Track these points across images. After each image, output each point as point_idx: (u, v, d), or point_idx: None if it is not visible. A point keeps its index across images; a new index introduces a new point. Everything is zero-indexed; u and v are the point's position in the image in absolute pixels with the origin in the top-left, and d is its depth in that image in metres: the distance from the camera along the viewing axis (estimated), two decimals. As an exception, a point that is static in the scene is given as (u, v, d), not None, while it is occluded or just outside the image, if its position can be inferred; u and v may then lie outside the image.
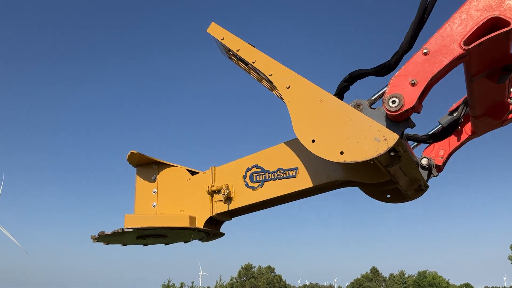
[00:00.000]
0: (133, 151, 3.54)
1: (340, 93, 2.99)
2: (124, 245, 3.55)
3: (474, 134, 3.70)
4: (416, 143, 3.68)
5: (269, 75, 2.98)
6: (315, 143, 2.68)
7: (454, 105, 3.59)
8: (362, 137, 2.55)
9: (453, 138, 3.75)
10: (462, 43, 2.39)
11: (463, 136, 3.74)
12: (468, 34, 2.40)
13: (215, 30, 3.31)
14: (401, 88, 2.47)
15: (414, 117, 2.58)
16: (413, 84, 2.46)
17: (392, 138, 2.49)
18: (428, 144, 3.81)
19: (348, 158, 2.56)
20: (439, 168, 3.74)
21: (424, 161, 3.56)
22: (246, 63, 3.30)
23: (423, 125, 3.63)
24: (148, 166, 3.73)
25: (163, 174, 3.68)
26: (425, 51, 2.48)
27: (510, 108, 3.38)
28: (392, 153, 2.80)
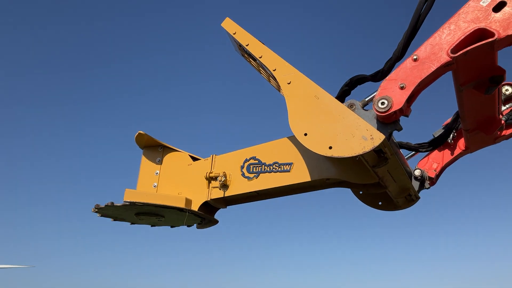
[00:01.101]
0: (141, 132, 3.75)
1: (341, 96, 3.16)
2: (115, 220, 3.67)
3: (468, 149, 3.80)
4: (411, 154, 3.81)
5: (273, 70, 3.16)
6: (307, 136, 2.83)
7: (448, 120, 3.72)
8: (351, 134, 2.70)
9: (446, 152, 3.86)
10: (449, 51, 2.54)
11: (457, 151, 3.84)
12: (456, 43, 2.55)
13: (229, 25, 3.51)
14: (391, 91, 2.62)
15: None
16: (402, 88, 2.60)
17: (378, 138, 2.63)
18: (423, 156, 3.92)
19: (336, 153, 2.69)
20: (432, 181, 3.83)
21: (417, 172, 3.67)
22: (254, 59, 3.48)
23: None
24: (154, 149, 3.95)
25: (167, 157, 3.90)
26: (415, 57, 2.63)
27: (501, 125, 3.49)
28: (381, 154, 2.93)
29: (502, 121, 3.47)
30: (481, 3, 2.57)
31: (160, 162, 3.89)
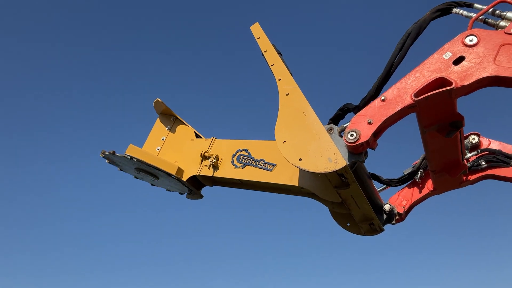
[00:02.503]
0: (159, 100, 4.29)
1: (335, 119, 3.51)
2: (121, 170, 4.16)
3: (435, 190, 4.08)
4: (383, 187, 4.11)
5: (278, 80, 3.53)
6: (285, 144, 3.20)
7: (418, 160, 4.04)
8: (320, 153, 3.05)
9: (415, 190, 4.15)
10: (412, 95, 2.89)
11: (425, 191, 4.13)
12: (419, 89, 2.90)
13: (256, 30, 3.89)
14: (359, 125, 2.96)
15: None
16: (369, 123, 2.94)
17: (341, 163, 2.99)
18: (394, 192, 4.21)
19: (303, 165, 3.07)
20: (401, 217, 4.10)
21: (387, 207, 3.95)
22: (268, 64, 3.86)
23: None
24: (167, 117, 4.49)
25: (176, 128, 4.43)
26: (383, 98, 2.98)
27: (465, 169, 3.80)
28: (342, 179, 3.24)
29: (466, 166, 3.78)
30: (443, 56, 2.94)
31: (169, 130, 4.41)
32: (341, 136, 3.13)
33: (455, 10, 3.16)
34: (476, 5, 3.11)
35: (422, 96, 2.85)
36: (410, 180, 4.00)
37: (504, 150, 4.01)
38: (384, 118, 2.92)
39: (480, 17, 3.05)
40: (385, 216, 3.94)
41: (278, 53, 3.75)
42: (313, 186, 3.58)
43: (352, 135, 2.93)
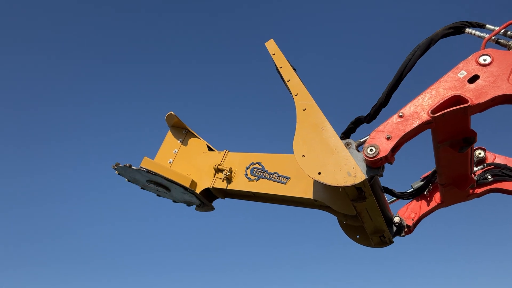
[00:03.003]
0: (172, 113, 4.34)
1: (347, 133, 3.63)
2: (129, 181, 4.16)
3: (443, 203, 4.19)
4: (393, 199, 4.20)
5: (295, 95, 3.60)
6: (304, 158, 3.26)
7: (426, 173, 4.15)
8: (339, 167, 3.12)
9: (423, 203, 4.25)
10: (429, 112, 2.99)
11: (432, 203, 4.23)
12: (435, 106, 3.01)
13: (271, 46, 3.99)
14: (378, 140, 3.04)
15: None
16: (388, 138, 3.03)
17: (360, 177, 3.05)
18: (403, 205, 4.31)
19: (322, 179, 3.13)
20: (409, 229, 4.20)
21: (397, 219, 4.04)
22: (283, 80, 3.91)
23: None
24: (179, 130, 4.55)
25: (188, 141, 4.48)
26: (400, 114, 3.08)
27: (473, 183, 3.91)
28: (360, 192, 3.32)
29: (474, 179, 3.89)
30: (458, 74, 3.06)
31: (181, 143, 4.46)
32: (358, 151, 3.22)
33: (467, 30, 3.28)
34: (488, 25, 3.24)
35: (439, 113, 2.96)
36: (419, 194, 4.10)
37: (509, 165, 4.14)
38: (402, 134, 3.01)
39: (493, 38, 3.17)
40: (394, 228, 4.03)
41: (292, 68, 3.84)
42: (327, 199, 3.64)
43: (371, 150, 3.02)
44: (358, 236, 4.13)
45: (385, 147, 3.00)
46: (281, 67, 3.83)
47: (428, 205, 4.24)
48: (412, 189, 4.09)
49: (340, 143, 3.25)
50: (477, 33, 3.25)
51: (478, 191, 4.13)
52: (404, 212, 4.28)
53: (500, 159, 4.22)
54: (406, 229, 4.13)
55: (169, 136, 4.55)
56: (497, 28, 3.17)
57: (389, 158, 3.05)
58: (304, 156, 3.27)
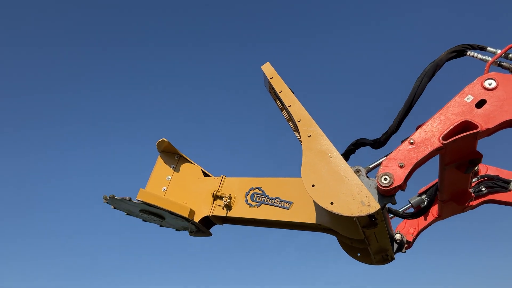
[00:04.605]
0: (164, 139, 4.12)
1: (346, 154, 3.57)
2: (128, 214, 3.97)
3: (440, 217, 4.26)
4: (392, 216, 4.22)
5: (298, 121, 3.50)
6: (314, 188, 3.15)
7: (423, 188, 4.18)
8: (352, 197, 3.06)
9: (421, 218, 4.30)
10: (440, 138, 3.00)
11: (430, 218, 4.29)
12: (446, 132, 3.02)
13: (267, 69, 3.89)
14: (391, 169, 3.02)
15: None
16: (401, 166, 3.01)
17: (375, 206, 3.01)
18: (401, 221, 4.34)
19: (336, 209, 3.04)
20: (409, 245, 4.24)
21: (398, 236, 4.06)
22: (282, 104, 3.81)
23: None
24: (171, 155, 4.31)
25: (181, 166, 4.25)
26: (411, 141, 3.07)
27: (472, 197, 3.98)
28: (372, 219, 3.30)
29: (472, 194, 3.96)
30: (465, 99, 3.08)
31: (174, 169, 4.23)
32: (368, 177, 3.19)
33: (469, 53, 3.31)
34: (489, 48, 3.28)
35: (451, 140, 2.97)
36: (425, 213, 4.11)
37: (501, 176, 4.25)
38: (415, 161, 3.00)
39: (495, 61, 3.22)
40: (396, 245, 4.05)
41: (291, 91, 3.76)
42: (333, 223, 3.58)
43: (385, 179, 2.99)
44: (359, 254, 4.12)
45: (400, 176, 2.98)
46: (280, 92, 3.73)
47: (425, 219, 4.30)
48: (410, 205, 4.09)
49: (350, 170, 3.20)
50: (479, 56, 3.28)
51: (474, 203, 4.22)
52: (403, 227, 4.32)
53: (492, 171, 4.32)
54: (406, 245, 4.17)
55: (160, 162, 4.31)
56: (498, 51, 3.21)
57: (402, 186, 3.04)
58: (314, 185, 3.18)
